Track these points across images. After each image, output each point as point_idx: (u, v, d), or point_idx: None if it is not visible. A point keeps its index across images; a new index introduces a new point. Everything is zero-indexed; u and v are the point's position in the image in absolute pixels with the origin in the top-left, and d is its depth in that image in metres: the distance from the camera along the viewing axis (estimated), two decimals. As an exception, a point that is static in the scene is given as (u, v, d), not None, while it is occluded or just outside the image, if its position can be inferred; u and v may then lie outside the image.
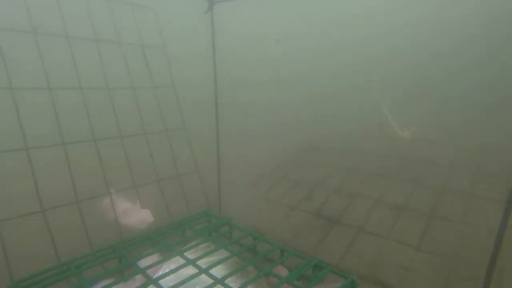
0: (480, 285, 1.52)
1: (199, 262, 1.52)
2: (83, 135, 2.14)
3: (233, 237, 1.90)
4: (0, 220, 1.69)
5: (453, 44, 3.42)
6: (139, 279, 1.47)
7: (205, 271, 1.45)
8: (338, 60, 4.02)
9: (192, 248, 1.71)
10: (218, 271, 1.49)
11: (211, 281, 1.38)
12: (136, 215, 2.03)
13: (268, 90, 4.13)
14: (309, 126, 4.15)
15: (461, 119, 3.36)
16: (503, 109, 3.06)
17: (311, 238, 2.54)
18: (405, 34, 3.61)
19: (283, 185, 3.44)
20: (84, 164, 2.10)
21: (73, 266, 1.51)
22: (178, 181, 2.54)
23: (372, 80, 3.83)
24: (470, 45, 3.32)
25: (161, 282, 1.38)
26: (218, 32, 2.50)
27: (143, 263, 1.54)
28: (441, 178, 3.01)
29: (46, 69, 2.02)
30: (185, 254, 1.60)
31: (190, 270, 1.47)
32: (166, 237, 1.85)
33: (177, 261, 1.56)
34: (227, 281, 1.39)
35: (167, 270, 1.48)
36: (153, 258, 1.63)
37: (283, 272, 1.58)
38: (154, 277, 1.41)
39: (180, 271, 1.47)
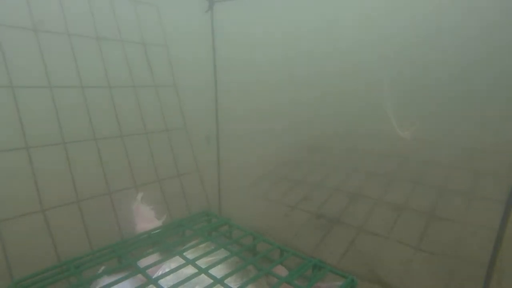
0: (480, 285, 1.52)
1: (198, 262, 1.52)
2: (83, 135, 2.14)
3: (233, 237, 1.90)
4: (0, 220, 1.69)
5: (454, 45, 3.42)
6: (139, 279, 1.47)
7: (205, 271, 1.45)
8: (338, 61, 4.02)
9: (192, 248, 1.71)
10: (217, 271, 1.49)
11: (210, 281, 1.38)
12: (136, 214, 2.03)
13: (268, 90, 4.12)
14: (309, 126, 4.15)
15: (461, 119, 3.36)
16: (503, 110, 3.06)
17: (311, 237, 2.54)
18: (406, 36, 3.61)
19: (283, 185, 3.44)
20: (85, 164, 2.10)
21: (73, 266, 1.51)
22: (178, 181, 2.54)
23: (373, 81, 3.83)
24: (472, 46, 3.32)
25: (161, 282, 1.38)
26: (218, 31, 2.50)
27: (143, 263, 1.54)
28: (441, 178, 3.01)
29: (47, 67, 2.02)
30: (184, 254, 1.60)
31: (190, 270, 1.47)
32: (166, 237, 1.85)
33: (176, 261, 1.56)
34: (226, 281, 1.39)
35: (167, 270, 1.48)
36: (153, 258, 1.63)
37: (282, 272, 1.58)
38: (154, 277, 1.41)
39: (180, 271, 1.47)
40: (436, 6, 3.38)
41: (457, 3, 3.31)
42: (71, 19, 2.18)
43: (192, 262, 1.51)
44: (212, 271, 1.45)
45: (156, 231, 1.88)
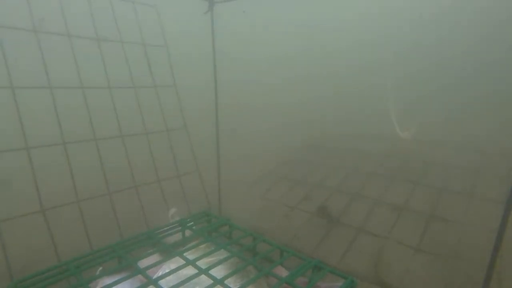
0: (479, 286, 1.52)
1: (199, 263, 1.52)
2: (84, 135, 2.14)
3: (233, 237, 1.90)
4: (0, 220, 1.69)
5: (455, 47, 3.43)
6: (139, 279, 1.47)
7: (205, 271, 1.45)
8: (339, 61, 4.02)
9: (192, 248, 1.71)
10: (218, 272, 1.49)
11: (211, 281, 1.38)
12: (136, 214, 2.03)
13: (268, 90, 4.13)
14: (309, 127, 4.15)
15: (461, 120, 3.36)
16: (504, 110, 3.06)
17: (311, 238, 2.54)
18: (409, 38, 3.61)
19: (283, 185, 3.44)
20: (85, 164, 2.10)
21: (73, 266, 1.51)
22: (178, 181, 2.54)
23: (374, 81, 3.83)
24: (473, 48, 3.32)
25: (161, 282, 1.38)
26: (218, 32, 2.50)
27: (143, 263, 1.54)
28: (441, 178, 3.01)
29: (48, 68, 2.02)
30: (185, 254, 1.60)
31: (190, 271, 1.47)
32: (166, 237, 1.85)
33: (177, 261, 1.56)
34: (227, 281, 1.39)
35: (167, 271, 1.48)
36: (153, 258, 1.63)
37: (282, 272, 1.58)
38: (154, 277, 1.41)
39: (180, 271, 1.47)
40: (444, 6, 3.38)
41: (466, 4, 3.31)
42: (72, 20, 2.18)
43: (192, 263, 1.51)
44: (212, 272, 1.45)
45: (156, 231, 1.88)
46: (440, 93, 3.52)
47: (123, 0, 2.48)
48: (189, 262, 1.52)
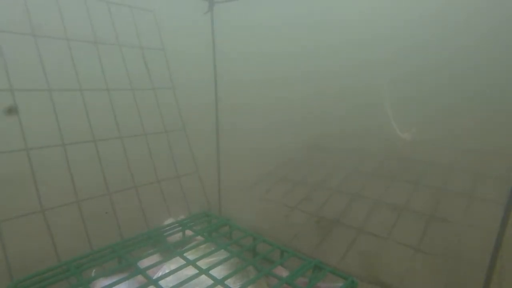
0: (480, 286, 1.52)
1: (199, 263, 1.52)
2: (83, 136, 2.15)
3: (233, 237, 1.90)
4: (0, 220, 1.69)
5: (456, 48, 3.43)
6: (139, 279, 1.47)
7: (205, 271, 1.45)
8: (339, 61, 4.02)
9: (192, 248, 1.71)
10: (218, 272, 1.49)
11: (211, 281, 1.38)
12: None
13: (268, 90, 4.13)
14: (309, 127, 4.15)
15: (462, 120, 3.36)
16: (504, 111, 3.06)
17: (311, 238, 2.54)
18: (409, 37, 3.61)
19: (283, 186, 3.44)
20: (84, 165, 2.10)
21: (73, 266, 1.51)
22: (178, 181, 2.54)
23: (374, 81, 3.84)
24: (473, 48, 3.33)
25: (161, 282, 1.38)
26: (218, 32, 2.50)
27: (143, 263, 1.54)
28: (441, 179, 3.01)
29: (46, 71, 2.03)
30: (185, 254, 1.60)
31: (190, 271, 1.47)
32: (166, 237, 1.85)
33: (177, 261, 1.56)
34: (227, 281, 1.39)
35: (167, 271, 1.48)
36: (153, 258, 1.63)
37: (283, 272, 1.58)
38: (154, 278, 1.41)
39: (180, 271, 1.47)
40: (442, 6, 3.38)
41: (463, 4, 3.32)
42: (70, 24, 2.20)
43: (192, 263, 1.51)
44: (213, 272, 1.45)
45: (156, 232, 1.88)
46: (440, 93, 3.52)
47: (121, 5, 2.49)
48: (189, 262, 1.52)
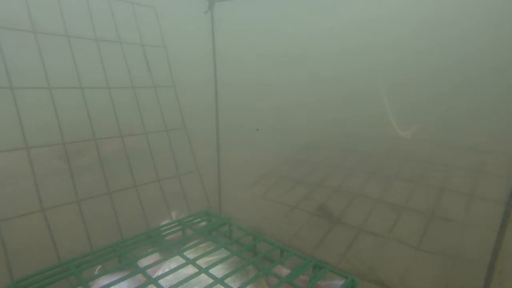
0: (480, 285, 1.52)
1: (199, 262, 1.52)
2: (83, 135, 2.14)
3: (233, 236, 1.90)
4: (0, 220, 1.69)
5: (456, 50, 3.43)
6: (139, 278, 1.47)
7: (205, 270, 1.45)
8: (339, 61, 4.02)
9: (192, 247, 1.71)
10: (218, 271, 1.49)
11: (211, 280, 1.38)
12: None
13: (268, 90, 4.13)
14: (309, 127, 4.15)
15: (462, 120, 3.36)
16: (504, 111, 3.06)
17: (311, 237, 2.54)
18: (410, 39, 3.61)
19: (283, 185, 3.44)
20: (84, 164, 2.10)
21: (73, 265, 1.51)
22: (179, 180, 2.54)
23: (374, 81, 3.83)
24: (475, 51, 3.33)
25: (161, 281, 1.37)
26: (218, 31, 2.50)
27: (143, 262, 1.54)
28: (441, 178, 3.00)
29: (47, 68, 2.02)
30: (185, 253, 1.60)
31: (190, 270, 1.47)
32: (166, 237, 1.85)
33: (177, 260, 1.55)
34: (227, 280, 1.39)
35: (167, 270, 1.48)
36: (153, 257, 1.63)
37: (283, 271, 1.57)
38: (154, 277, 1.41)
39: (180, 270, 1.47)
40: (449, 11, 3.39)
41: (470, 9, 3.32)
42: (70, 21, 2.18)
43: (192, 262, 1.51)
44: (212, 271, 1.45)
45: (156, 231, 1.88)
46: (440, 93, 3.52)
47: (122, 1, 2.48)
48: (189, 261, 1.52)
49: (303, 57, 4.17)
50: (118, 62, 2.42)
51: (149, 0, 2.64)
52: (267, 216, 2.92)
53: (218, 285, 1.36)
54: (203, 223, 2.03)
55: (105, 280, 1.44)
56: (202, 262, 1.52)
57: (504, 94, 3.16)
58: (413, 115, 3.69)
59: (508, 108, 3.06)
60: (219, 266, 1.53)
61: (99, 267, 1.58)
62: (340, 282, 1.47)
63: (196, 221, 2.03)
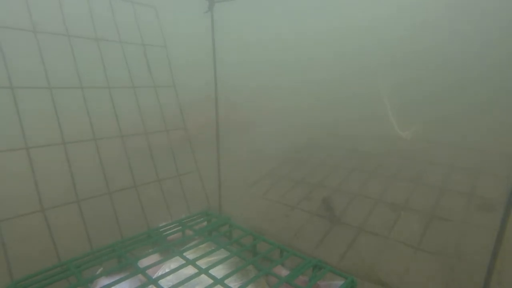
0: (480, 285, 1.52)
1: (199, 262, 1.52)
2: (83, 135, 2.14)
3: (233, 236, 1.90)
4: (0, 220, 1.69)
5: (456, 50, 3.43)
6: (139, 279, 1.47)
7: (205, 271, 1.45)
8: (339, 62, 4.02)
9: (192, 248, 1.71)
10: (218, 271, 1.49)
11: (211, 281, 1.38)
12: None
13: (268, 90, 4.13)
14: (309, 127, 4.15)
15: (462, 120, 3.36)
16: (504, 111, 3.06)
17: (311, 237, 2.54)
18: (409, 39, 3.62)
19: (283, 185, 3.44)
20: (84, 164, 2.10)
21: (73, 265, 1.51)
22: (179, 180, 2.54)
23: (375, 82, 3.83)
24: (475, 51, 3.33)
25: (161, 282, 1.37)
26: (218, 31, 2.49)
27: (143, 263, 1.54)
28: (441, 178, 3.01)
29: (47, 68, 2.02)
30: (185, 254, 1.60)
31: (190, 270, 1.47)
32: (166, 237, 1.85)
33: (177, 261, 1.55)
34: (227, 281, 1.39)
35: (167, 270, 1.48)
36: (153, 257, 1.63)
37: (283, 271, 1.57)
38: (154, 277, 1.41)
39: (180, 271, 1.47)
40: (445, 12, 3.39)
41: (468, 8, 3.32)
42: (71, 20, 2.18)
43: (192, 262, 1.51)
44: (212, 271, 1.45)
45: (156, 231, 1.88)
46: (441, 93, 3.52)
47: (123, 1, 2.48)
48: (189, 262, 1.52)
49: (303, 57, 4.17)
50: (118, 62, 2.42)
51: (150, 0, 2.64)
52: (267, 216, 2.92)
53: (218, 285, 1.36)
54: (203, 223, 2.03)
55: (105, 280, 1.44)
56: (202, 263, 1.52)
57: (504, 94, 3.16)
58: (413, 115, 3.69)
59: (508, 108, 3.06)
60: (219, 267, 1.53)
61: (99, 267, 1.58)
62: (340, 282, 1.47)
63: (196, 221, 2.03)
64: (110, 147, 2.28)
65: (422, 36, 3.58)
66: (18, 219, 1.75)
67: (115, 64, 2.38)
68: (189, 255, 1.60)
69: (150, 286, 1.36)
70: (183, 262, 1.52)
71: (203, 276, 1.43)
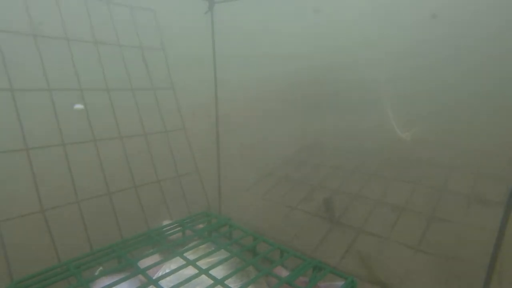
0: (480, 286, 1.52)
1: (199, 263, 1.52)
2: (83, 136, 2.15)
3: (233, 237, 1.90)
4: (0, 220, 1.69)
5: (455, 46, 3.43)
6: (139, 279, 1.47)
7: (205, 271, 1.45)
8: (340, 62, 4.02)
9: (192, 248, 1.71)
10: (218, 272, 1.49)
11: (211, 281, 1.38)
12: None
13: (268, 91, 4.13)
14: (309, 127, 4.15)
15: (462, 120, 3.36)
16: (504, 111, 3.06)
17: (311, 238, 2.54)
18: (409, 37, 3.62)
19: (283, 185, 3.44)
20: (84, 165, 2.10)
21: (73, 266, 1.51)
22: (178, 181, 2.54)
23: (375, 82, 3.84)
24: (474, 48, 3.33)
25: (161, 282, 1.38)
26: (218, 32, 2.50)
27: (143, 263, 1.54)
28: (441, 179, 3.01)
29: (46, 70, 2.03)
30: (185, 254, 1.60)
31: (190, 271, 1.47)
32: (166, 237, 1.85)
33: (177, 261, 1.56)
34: (227, 281, 1.39)
35: (167, 271, 1.48)
36: (153, 258, 1.63)
37: (283, 272, 1.58)
38: (154, 278, 1.41)
39: (180, 271, 1.47)
40: (443, 7, 3.39)
41: (463, 5, 3.32)
42: (70, 24, 2.20)
43: (192, 263, 1.51)
44: (213, 272, 1.45)
45: (156, 231, 1.88)
46: (440, 93, 3.52)
47: (121, 4, 2.49)
48: (189, 262, 1.52)
49: (303, 58, 4.17)
50: (117, 64, 2.43)
51: (149, 2, 2.65)
52: (267, 216, 2.92)
53: (219, 286, 1.36)
54: (203, 224, 2.03)
55: (105, 280, 1.44)
56: (202, 263, 1.52)
57: (504, 92, 3.16)
58: (413, 115, 3.69)
59: (508, 108, 3.06)
60: (219, 267, 1.54)
61: (99, 268, 1.58)
62: (340, 283, 1.47)
63: (196, 221, 2.03)
64: (110, 148, 2.28)
65: (422, 36, 3.58)
66: (18, 220, 1.75)
67: (114, 66, 2.39)
68: (189, 255, 1.60)
69: (150, 286, 1.36)
70: (184, 262, 1.53)
71: (203, 276, 1.43)
